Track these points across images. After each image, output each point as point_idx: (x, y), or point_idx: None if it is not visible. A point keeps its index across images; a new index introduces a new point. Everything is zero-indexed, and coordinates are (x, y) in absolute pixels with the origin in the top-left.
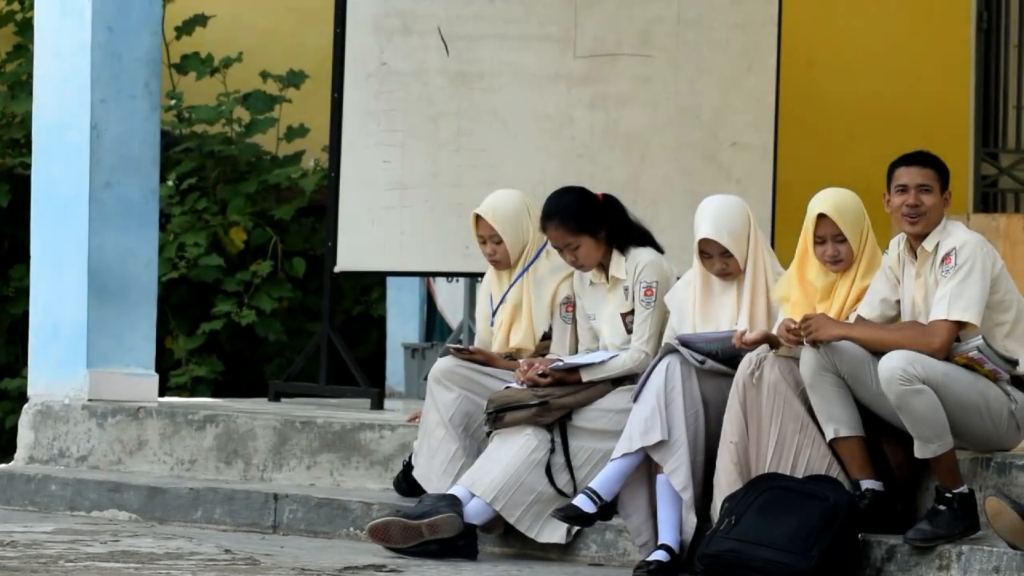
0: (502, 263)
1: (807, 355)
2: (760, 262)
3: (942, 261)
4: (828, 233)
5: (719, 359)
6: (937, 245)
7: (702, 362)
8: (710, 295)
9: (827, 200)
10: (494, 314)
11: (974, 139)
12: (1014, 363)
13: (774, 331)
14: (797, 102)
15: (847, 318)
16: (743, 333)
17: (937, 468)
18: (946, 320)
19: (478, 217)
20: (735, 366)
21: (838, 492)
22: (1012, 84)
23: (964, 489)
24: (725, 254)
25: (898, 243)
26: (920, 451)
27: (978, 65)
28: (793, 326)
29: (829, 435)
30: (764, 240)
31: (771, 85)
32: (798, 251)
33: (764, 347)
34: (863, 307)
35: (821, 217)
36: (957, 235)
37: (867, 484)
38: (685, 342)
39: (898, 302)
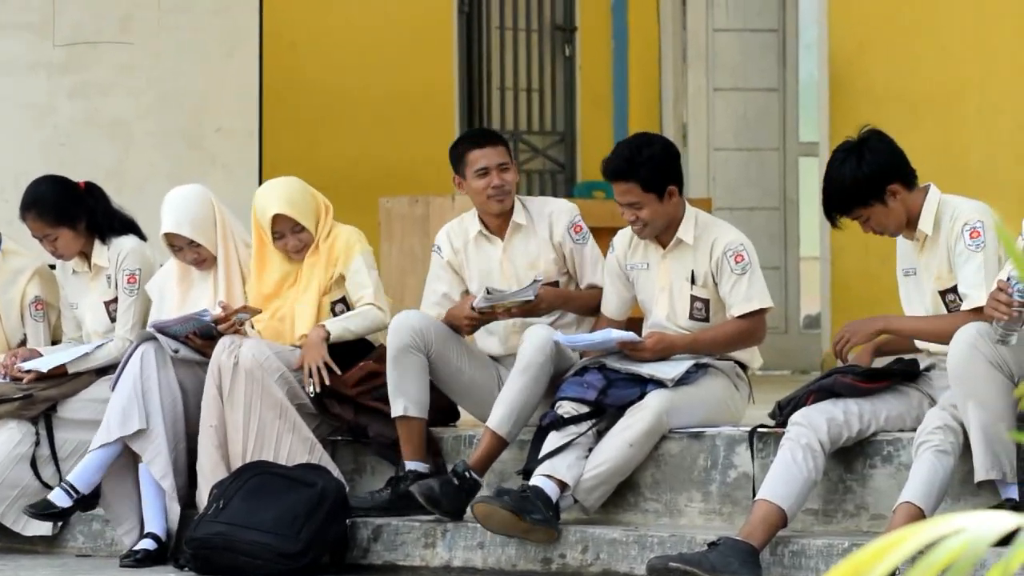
0: None
1: (397, 332)
2: (231, 248)
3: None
4: (287, 228)
5: (198, 339)
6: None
7: (176, 351)
8: (190, 284)
9: (278, 198)
10: None
11: (459, 120)
12: None
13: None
14: (281, 86)
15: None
16: (221, 317)
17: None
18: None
19: None
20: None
21: (326, 479)
22: (495, 66)
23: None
24: (194, 244)
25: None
26: (499, 423)
27: (461, 47)
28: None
29: (397, 411)
30: (237, 225)
31: (254, 70)
32: (255, 248)
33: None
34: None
35: (277, 216)
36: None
37: (413, 465)
38: (160, 328)
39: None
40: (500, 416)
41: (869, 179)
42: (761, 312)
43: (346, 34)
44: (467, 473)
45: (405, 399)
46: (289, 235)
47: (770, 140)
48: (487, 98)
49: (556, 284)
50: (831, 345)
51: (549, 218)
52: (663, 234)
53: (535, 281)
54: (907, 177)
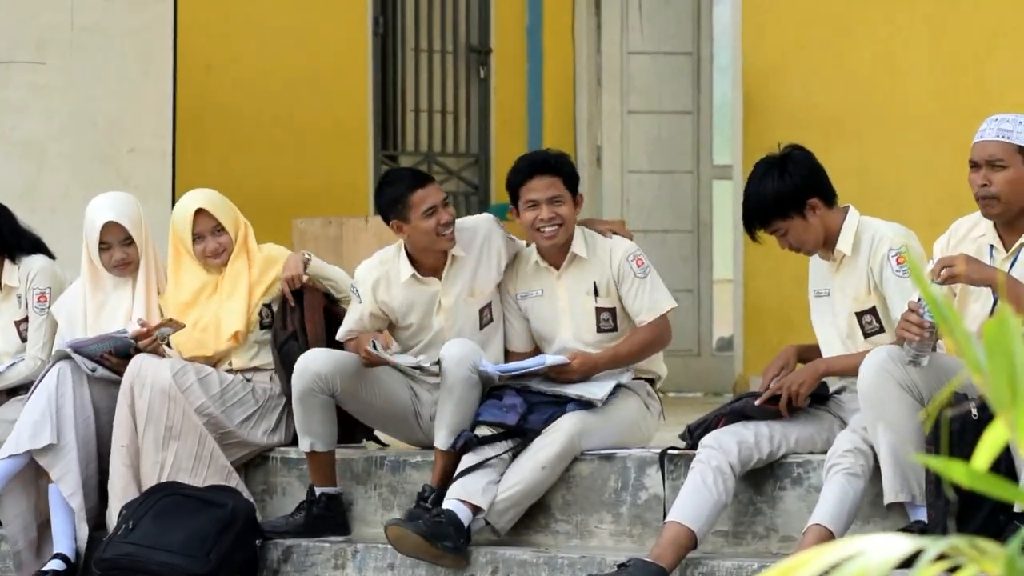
0: None
1: (301, 376)
2: (151, 257)
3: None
4: (207, 228)
5: (114, 357)
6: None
7: (93, 370)
8: (105, 296)
9: (200, 199)
10: None
11: (373, 142)
12: None
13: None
14: (195, 107)
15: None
16: (142, 333)
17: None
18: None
19: None
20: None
21: (237, 499)
22: (410, 88)
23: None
24: (126, 242)
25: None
26: (446, 443)
27: (375, 69)
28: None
29: (305, 448)
30: (153, 240)
31: (168, 91)
32: (171, 259)
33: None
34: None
35: (199, 213)
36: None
37: (323, 490)
38: (76, 347)
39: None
40: (444, 437)
41: (792, 191)
42: (666, 313)
43: (260, 55)
44: (435, 495)
45: (312, 437)
46: (209, 237)
47: (684, 163)
48: (401, 119)
49: (489, 306)
50: (778, 402)
51: (485, 239)
52: (556, 254)
53: (424, 367)
54: (827, 194)
